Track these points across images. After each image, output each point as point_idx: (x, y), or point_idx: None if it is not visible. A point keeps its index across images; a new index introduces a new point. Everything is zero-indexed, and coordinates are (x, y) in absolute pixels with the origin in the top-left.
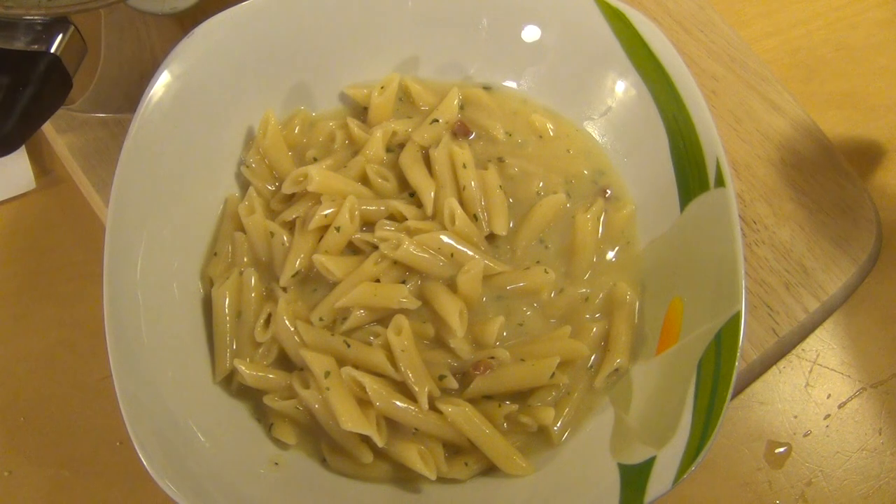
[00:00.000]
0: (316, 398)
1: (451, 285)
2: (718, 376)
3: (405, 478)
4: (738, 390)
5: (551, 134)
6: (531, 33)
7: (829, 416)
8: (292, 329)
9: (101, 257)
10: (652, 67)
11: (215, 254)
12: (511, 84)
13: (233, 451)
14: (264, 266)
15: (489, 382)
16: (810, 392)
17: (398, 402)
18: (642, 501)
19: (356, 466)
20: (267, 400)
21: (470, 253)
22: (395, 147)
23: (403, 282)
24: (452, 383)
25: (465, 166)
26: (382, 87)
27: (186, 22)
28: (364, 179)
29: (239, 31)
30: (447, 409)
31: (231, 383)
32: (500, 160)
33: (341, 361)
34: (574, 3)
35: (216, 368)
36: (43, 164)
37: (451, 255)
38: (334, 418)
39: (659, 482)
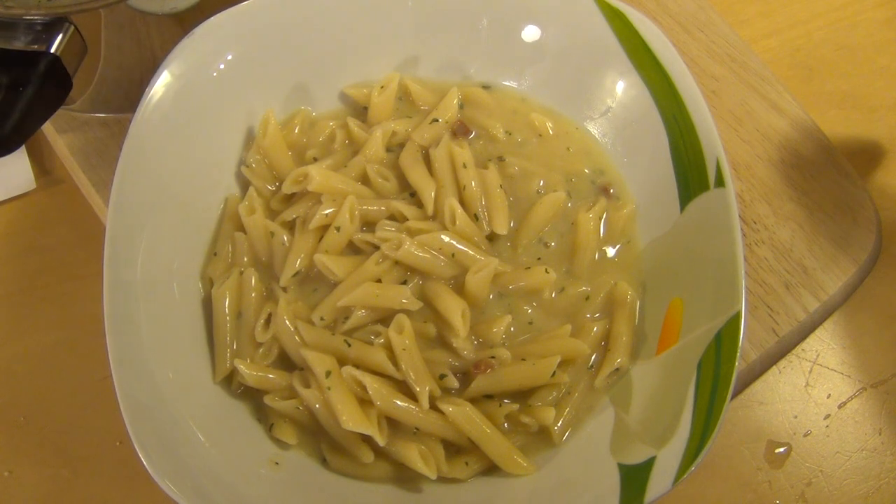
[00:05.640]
0: (317, 398)
1: (454, 285)
2: (718, 376)
3: (406, 477)
4: (738, 390)
5: (551, 133)
6: (531, 33)
7: (829, 416)
8: (293, 329)
9: (101, 257)
10: (652, 67)
11: (215, 254)
12: (511, 84)
13: (233, 451)
14: (264, 266)
15: (490, 382)
16: (810, 392)
17: (399, 402)
18: (642, 501)
19: (357, 466)
20: (267, 400)
21: (471, 253)
22: (395, 147)
23: (405, 282)
24: (453, 382)
25: (465, 166)
26: (382, 87)
27: (186, 22)
28: (364, 179)
29: (239, 31)
30: (448, 408)
31: (231, 383)
32: (500, 159)
33: (342, 361)
34: (574, 3)
35: (216, 368)
36: (43, 164)
37: (453, 255)
38: (335, 418)
39: (659, 482)
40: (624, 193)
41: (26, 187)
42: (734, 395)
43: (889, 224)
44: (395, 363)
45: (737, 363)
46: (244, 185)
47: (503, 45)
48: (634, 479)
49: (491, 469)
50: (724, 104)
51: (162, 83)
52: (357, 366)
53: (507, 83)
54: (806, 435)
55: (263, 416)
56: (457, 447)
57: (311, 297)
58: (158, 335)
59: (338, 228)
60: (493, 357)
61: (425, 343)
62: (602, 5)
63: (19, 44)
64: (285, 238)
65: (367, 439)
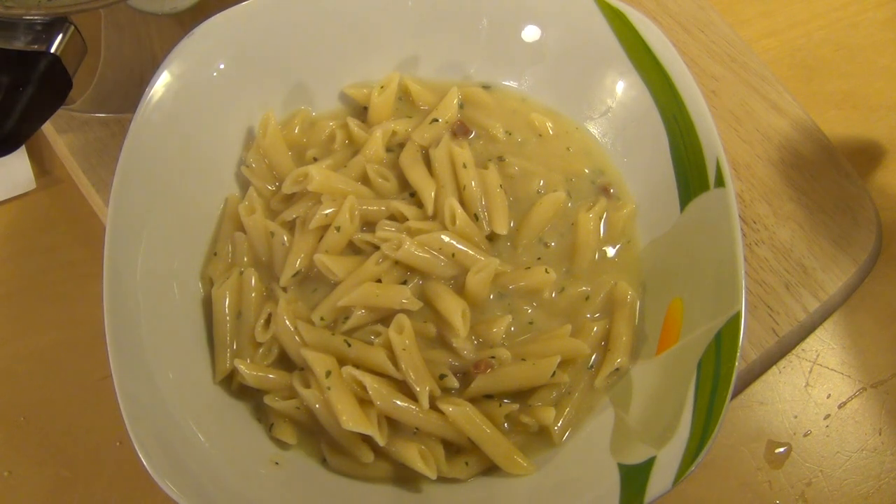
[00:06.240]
0: (317, 398)
1: (454, 285)
2: (718, 376)
3: (406, 477)
4: (738, 390)
5: (551, 133)
6: (531, 33)
7: (829, 416)
8: (293, 329)
9: (101, 257)
10: (652, 67)
11: (215, 254)
12: (511, 84)
13: (233, 451)
14: (264, 266)
15: (490, 382)
16: (810, 392)
17: (399, 402)
18: (642, 501)
19: (357, 466)
20: (267, 400)
21: (471, 253)
22: (395, 147)
23: (405, 282)
24: (453, 382)
25: (465, 166)
26: (382, 87)
27: (186, 22)
28: (364, 179)
29: (239, 31)
30: (448, 408)
31: (231, 383)
32: (500, 159)
33: (342, 361)
34: (574, 3)
35: (216, 368)
36: (43, 164)
37: (453, 255)
38: (335, 418)
39: (659, 482)
40: (624, 193)
41: (26, 187)
42: (734, 395)
43: (889, 224)
44: (395, 363)
45: (737, 363)
46: (244, 185)
47: (503, 45)
48: (634, 479)
49: (491, 469)
50: (724, 104)
51: (162, 83)
52: (357, 366)
53: (507, 83)
54: (806, 435)
55: (263, 416)
56: (457, 447)
57: (310, 298)
58: (158, 335)
59: (338, 228)
60: (493, 357)
61: (425, 343)
62: (602, 5)
63: (19, 44)
64: (285, 238)
65: (367, 439)
